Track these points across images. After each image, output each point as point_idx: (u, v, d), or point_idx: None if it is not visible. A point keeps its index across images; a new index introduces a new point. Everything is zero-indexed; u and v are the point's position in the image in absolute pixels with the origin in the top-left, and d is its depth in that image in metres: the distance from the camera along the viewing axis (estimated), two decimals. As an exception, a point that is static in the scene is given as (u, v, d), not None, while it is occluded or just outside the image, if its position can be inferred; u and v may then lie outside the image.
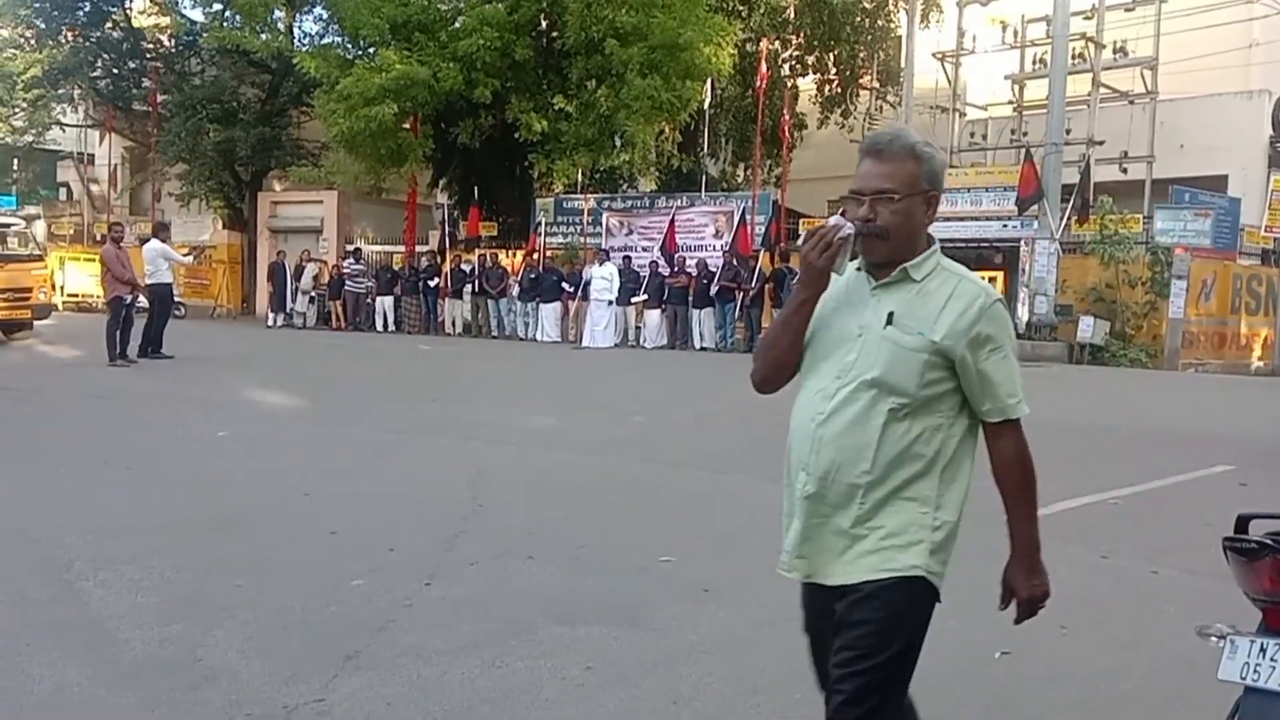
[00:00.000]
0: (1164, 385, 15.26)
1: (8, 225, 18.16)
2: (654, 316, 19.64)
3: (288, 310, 23.84)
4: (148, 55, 29.20)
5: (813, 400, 2.14)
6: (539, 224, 22.32)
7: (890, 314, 2.10)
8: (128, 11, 29.43)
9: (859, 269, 2.19)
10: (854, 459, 2.07)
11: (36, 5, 28.11)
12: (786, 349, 2.21)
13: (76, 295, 25.74)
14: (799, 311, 2.18)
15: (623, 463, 7.84)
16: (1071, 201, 19.09)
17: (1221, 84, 22.04)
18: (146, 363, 13.55)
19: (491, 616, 4.20)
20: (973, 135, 24.50)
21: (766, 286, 18.46)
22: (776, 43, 24.74)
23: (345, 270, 23.23)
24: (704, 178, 22.96)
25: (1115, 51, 22.48)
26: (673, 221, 20.62)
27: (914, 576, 2.08)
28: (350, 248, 24.61)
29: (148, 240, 15.16)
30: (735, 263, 19.08)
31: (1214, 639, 2.30)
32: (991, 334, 2.09)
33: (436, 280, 22.21)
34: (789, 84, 25.20)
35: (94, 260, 20.78)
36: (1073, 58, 20.87)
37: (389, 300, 22.70)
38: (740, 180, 25.90)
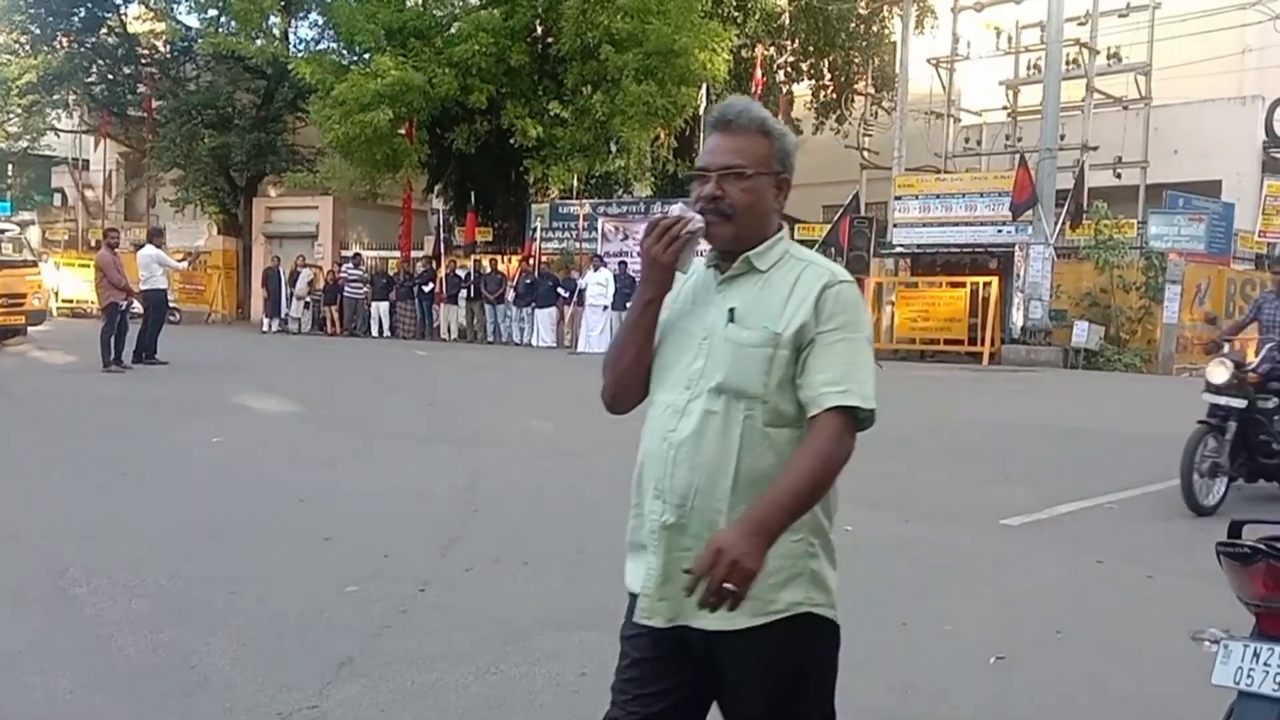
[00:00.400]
0: (1158, 390, 15.28)
1: (2, 231, 18.14)
2: (649, 322, 19.63)
3: (282, 316, 23.83)
4: (143, 61, 29.21)
5: (663, 416, 1.91)
6: (534, 229, 22.35)
7: (731, 310, 1.89)
8: (123, 17, 29.47)
9: (709, 265, 1.97)
10: (714, 480, 1.84)
11: (31, 11, 28.14)
12: (633, 360, 1.96)
13: (71, 301, 25.71)
14: (643, 315, 1.94)
15: (618, 467, 7.82)
16: (1066, 206, 19.13)
17: (1215, 89, 22.12)
18: (141, 369, 13.52)
19: (486, 622, 4.19)
20: (967, 141, 24.56)
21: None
22: (772, 49, 24.81)
23: (345, 275, 23.23)
24: (699, 183, 22.96)
25: (1109, 57, 22.56)
26: (668, 227, 20.62)
27: (799, 615, 1.85)
28: (351, 253, 24.60)
29: (142, 246, 15.15)
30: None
31: (1207, 644, 2.31)
32: (829, 316, 1.84)
33: (431, 285, 22.22)
34: (784, 90, 25.26)
35: (88, 266, 20.78)
36: (1067, 63, 20.94)
37: (384, 306, 22.70)
38: (736, 186, 25.91)
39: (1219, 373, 6.65)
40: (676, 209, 1.92)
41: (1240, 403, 6.60)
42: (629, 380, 1.99)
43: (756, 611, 1.80)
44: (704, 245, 1.95)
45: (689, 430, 1.86)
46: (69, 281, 25.96)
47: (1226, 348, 7.19)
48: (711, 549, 1.71)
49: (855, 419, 1.82)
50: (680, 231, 1.88)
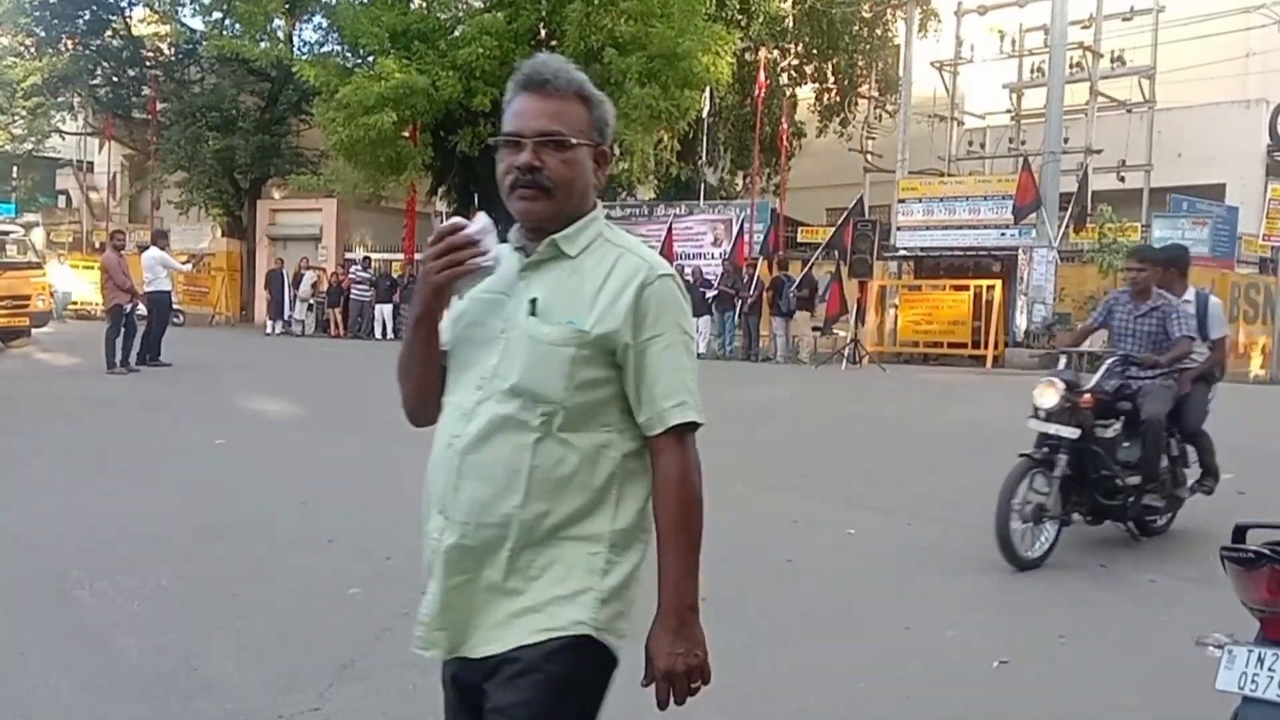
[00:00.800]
0: (1162, 394, 15.25)
1: (6, 233, 18.20)
2: (652, 324, 19.63)
3: (286, 318, 23.88)
4: (147, 63, 29.29)
5: (451, 421, 1.71)
6: (538, 232, 22.34)
7: (533, 301, 1.67)
8: (127, 20, 29.54)
9: (514, 247, 1.73)
10: (502, 492, 1.64)
11: (37, 14, 28.21)
12: (419, 375, 1.78)
13: (76, 303, 25.75)
14: (415, 331, 1.74)
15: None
16: (1069, 210, 19.13)
17: (1218, 93, 22.12)
18: (145, 370, 13.54)
19: (488, 625, 4.18)
20: (971, 144, 24.57)
21: (765, 294, 18.52)
22: (775, 52, 24.85)
23: (354, 277, 23.27)
24: (703, 186, 23.01)
25: (1113, 61, 22.55)
26: (670, 229, 20.65)
27: (579, 636, 1.62)
28: (361, 255, 24.63)
29: (146, 248, 15.19)
30: (732, 270, 19.14)
31: (1212, 649, 2.30)
32: (654, 319, 1.65)
33: (435, 288, 22.22)
34: (787, 93, 25.29)
35: (93, 268, 20.82)
36: (1071, 67, 20.95)
37: (388, 308, 22.72)
38: (739, 189, 25.96)
39: (1048, 395, 5.33)
40: (476, 224, 1.66)
41: (1072, 432, 5.27)
42: (422, 396, 1.81)
43: (532, 629, 1.62)
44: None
45: (473, 436, 1.66)
46: (75, 284, 26.03)
47: (1063, 362, 6.05)
48: (658, 675, 1.61)
49: (692, 427, 1.68)
50: (467, 259, 1.63)
